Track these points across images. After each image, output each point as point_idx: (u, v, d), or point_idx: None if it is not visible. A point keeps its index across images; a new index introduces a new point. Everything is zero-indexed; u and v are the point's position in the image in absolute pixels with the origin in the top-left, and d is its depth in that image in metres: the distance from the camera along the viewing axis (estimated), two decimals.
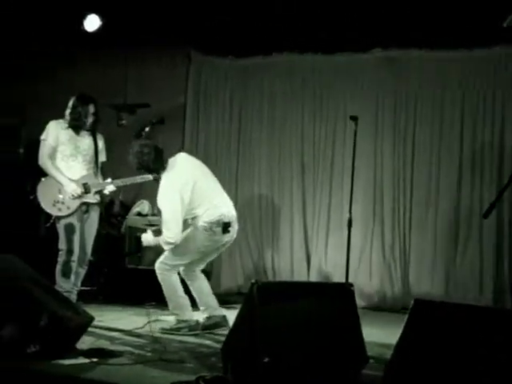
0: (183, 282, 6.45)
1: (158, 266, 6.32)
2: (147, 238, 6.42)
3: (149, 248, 7.82)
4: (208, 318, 6.41)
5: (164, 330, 6.26)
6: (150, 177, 6.43)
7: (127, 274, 8.12)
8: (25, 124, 8.77)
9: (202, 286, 6.53)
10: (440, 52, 7.96)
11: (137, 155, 6.27)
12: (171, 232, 6.13)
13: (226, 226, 6.28)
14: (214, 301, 6.51)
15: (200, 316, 6.44)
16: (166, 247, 6.22)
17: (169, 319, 6.64)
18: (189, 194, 6.17)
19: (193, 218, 6.29)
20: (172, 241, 6.13)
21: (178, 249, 6.25)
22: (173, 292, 6.32)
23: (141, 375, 4.64)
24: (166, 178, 6.24)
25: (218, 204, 6.34)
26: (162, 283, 6.32)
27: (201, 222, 6.23)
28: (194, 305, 6.45)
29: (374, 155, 8.30)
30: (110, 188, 6.64)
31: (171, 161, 6.34)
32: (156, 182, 6.41)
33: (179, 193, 6.13)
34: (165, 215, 6.18)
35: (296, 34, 8.16)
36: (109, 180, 6.64)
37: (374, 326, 6.08)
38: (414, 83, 8.22)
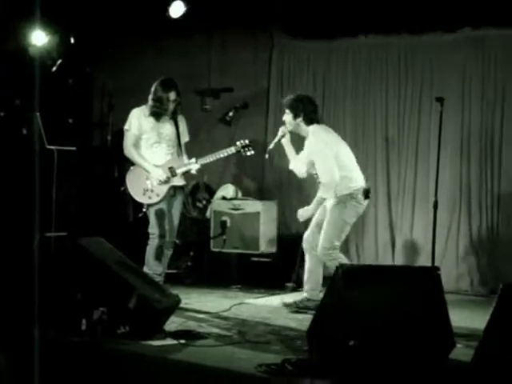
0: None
1: (323, 253, 6.35)
2: (306, 211, 6.62)
3: (233, 231, 7.98)
4: (309, 300, 6.49)
5: (291, 308, 6.47)
6: (232, 150, 6.64)
7: (212, 257, 8.19)
8: (112, 111, 8.89)
9: (319, 264, 6.58)
10: None
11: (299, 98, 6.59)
12: (328, 184, 6.38)
13: (367, 192, 6.45)
14: (320, 283, 6.60)
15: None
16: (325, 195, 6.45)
17: (255, 303, 6.73)
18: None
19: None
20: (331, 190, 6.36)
21: (333, 229, 6.34)
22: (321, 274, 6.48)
23: (227, 357, 4.70)
24: (316, 137, 6.46)
25: (358, 170, 6.56)
26: (331, 267, 6.15)
27: (345, 191, 6.34)
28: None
29: (460, 134, 8.15)
30: (195, 167, 6.67)
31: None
32: (238, 154, 6.69)
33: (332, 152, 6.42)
34: (322, 174, 6.43)
35: (380, 16, 8.07)
36: (193, 160, 6.67)
37: (461, 311, 6.03)
38: (502, 62, 8.01)
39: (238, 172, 8.50)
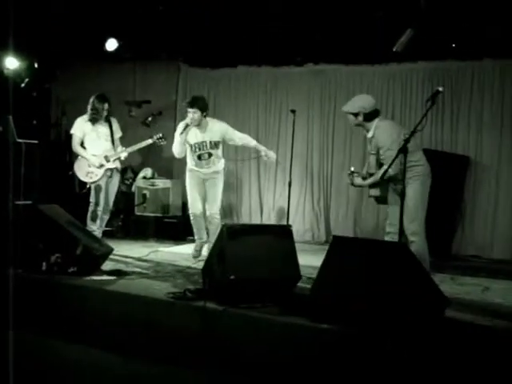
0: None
1: (217, 213, 6.29)
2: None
3: (151, 201, 7.90)
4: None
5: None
6: (150, 141, 6.50)
7: (136, 218, 8.11)
8: (64, 115, 8.73)
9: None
10: (352, 66, 7.98)
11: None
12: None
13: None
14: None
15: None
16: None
17: (165, 250, 6.69)
18: None
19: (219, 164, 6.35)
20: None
21: (220, 191, 6.33)
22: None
23: (147, 287, 4.72)
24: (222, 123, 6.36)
25: None
26: (217, 223, 6.19)
27: (223, 166, 6.40)
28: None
29: (306, 136, 8.30)
30: (123, 154, 6.61)
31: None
32: (155, 144, 6.52)
33: None
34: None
35: (253, 53, 8.12)
36: (122, 149, 6.64)
37: (306, 254, 6.14)
38: (334, 87, 8.20)
39: (155, 160, 8.41)
